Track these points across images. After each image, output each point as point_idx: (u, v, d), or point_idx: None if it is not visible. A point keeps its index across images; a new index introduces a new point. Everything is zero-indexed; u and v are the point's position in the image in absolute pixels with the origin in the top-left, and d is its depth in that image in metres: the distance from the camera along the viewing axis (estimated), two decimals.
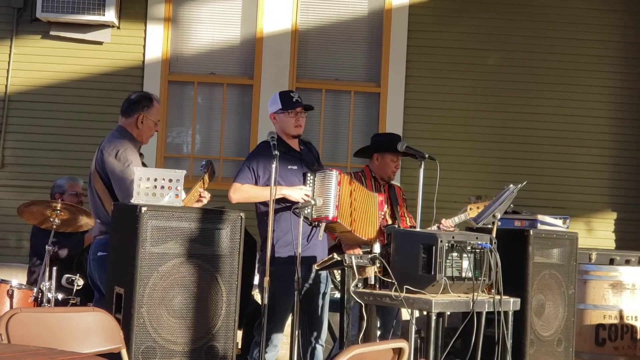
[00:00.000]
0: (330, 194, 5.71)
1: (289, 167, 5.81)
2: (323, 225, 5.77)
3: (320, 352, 5.89)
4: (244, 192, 5.78)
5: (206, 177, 5.73)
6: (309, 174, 5.82)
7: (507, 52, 9.04)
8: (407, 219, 6.65)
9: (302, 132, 5.96)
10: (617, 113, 9.08)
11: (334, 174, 5.76)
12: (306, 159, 5.95)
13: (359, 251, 6.07)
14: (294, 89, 8.78)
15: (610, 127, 9.06)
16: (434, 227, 6.21)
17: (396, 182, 8.33)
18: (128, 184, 5.27)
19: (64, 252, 6.82)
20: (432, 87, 8.97)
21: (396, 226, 6.35)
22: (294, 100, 5.87)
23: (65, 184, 7.14)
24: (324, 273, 5.87)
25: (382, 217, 5.99)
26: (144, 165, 5.66)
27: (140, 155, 5.70)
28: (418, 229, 5.66)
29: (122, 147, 5.53)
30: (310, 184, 5.79)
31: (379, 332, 6.15)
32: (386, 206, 6.09)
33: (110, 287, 5.02)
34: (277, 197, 5.50)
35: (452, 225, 6.37)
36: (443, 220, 6.33)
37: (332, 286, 6.30)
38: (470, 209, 6.44)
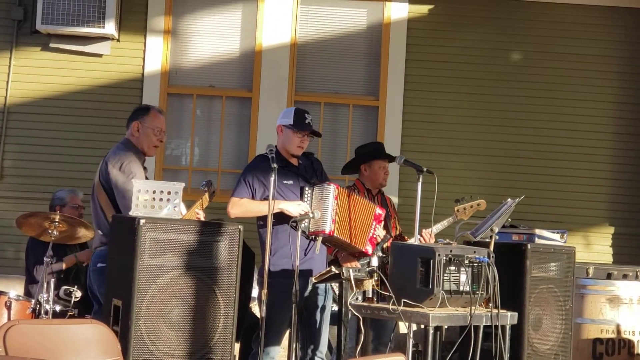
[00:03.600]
0: (327, 208, 5.74)
1: (284, 181, 5.82)
2: (320, 239, 5.79)
3: None
4: (242, 206, 5.82)
5: (206, 196, 5.75)
6: (306, 188, 5.84)
7: (506, 67, 9.06)
8: (397, 230, 6.61)
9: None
10: (615, 128, 9.09)
11: (332, 188, 5.79)
12: (304, 174, 5.97)
13: (356, 264, 6.06)
14: (292, 102, 8.81)
15: (608, 142, 9.07)
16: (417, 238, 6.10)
17: (394, 194, 8.36)
18: (130, 197, 5.28)
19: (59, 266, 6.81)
20: (431, 100, 8.99)
21: (388, 236, 6.32)
22: (307, 122, 5.93)
23: (67, 196, 7.10)
24: (323, 286, 5.87)
25: (374, 227, 5.92)
26: (147, 179, 5.67)
27: (144, 169, 5.72)
28: (416, 242, 5.66)
29: (127, 160, 5.55)
30: (308, 198, 5.80)
31: (372, 345, 6.13)
32: (383, 222, 6.06)
33: (108, 299, 5.02)
34: (275, 211, 5.52)
35: (436, 232, 6.30)
36: (424, 231, 6.24)
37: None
38: (458, 210, 6.46)
